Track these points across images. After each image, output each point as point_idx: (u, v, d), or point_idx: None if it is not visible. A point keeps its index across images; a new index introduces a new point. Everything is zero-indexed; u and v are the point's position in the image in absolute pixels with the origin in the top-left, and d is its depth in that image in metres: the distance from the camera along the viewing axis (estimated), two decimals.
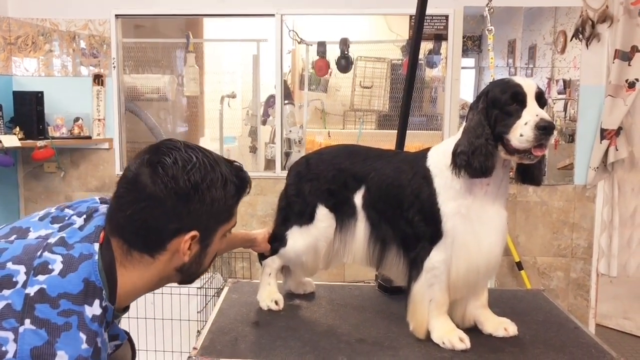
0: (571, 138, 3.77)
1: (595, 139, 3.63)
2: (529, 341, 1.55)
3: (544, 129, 1.30)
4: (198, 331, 2.91)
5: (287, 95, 4.05)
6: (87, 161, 3.94)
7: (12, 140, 3.47)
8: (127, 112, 4.07)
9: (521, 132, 1.33)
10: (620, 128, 3.55)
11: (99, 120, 3.86)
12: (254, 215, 3.88)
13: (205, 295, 3.11)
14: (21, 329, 0.87)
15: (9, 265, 0.95)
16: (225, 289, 1.92)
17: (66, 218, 1.07)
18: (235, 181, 1.13)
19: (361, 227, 1.61)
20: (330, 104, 5.03)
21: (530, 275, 3.75)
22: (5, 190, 3.86)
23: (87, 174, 3.95)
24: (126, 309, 1.18)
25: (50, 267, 0.95)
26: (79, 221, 1.06)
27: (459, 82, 3.63)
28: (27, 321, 0.88)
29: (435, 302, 1.48)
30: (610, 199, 3.67)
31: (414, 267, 1.49)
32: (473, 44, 3.92)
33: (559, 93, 3.74)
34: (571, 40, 3.63)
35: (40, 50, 3.88)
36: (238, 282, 2.00)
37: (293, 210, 1.68)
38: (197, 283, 3.21)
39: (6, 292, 0.92)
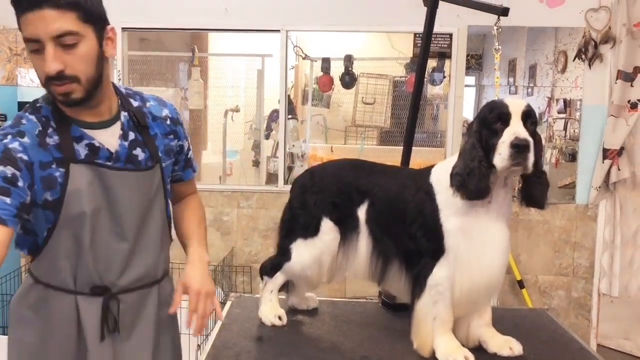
0: (571, 157, 3.78)
1: (597, 159, 3.64)
2: None
3: (517, 147, 1.31)
4: (198, 345, 2.88)
5: (290, 110, 4.07)
6: None
7: None
8: None
9: (500, 151, 1.34)
10: (622, 148, 3.57)
11: None
12: (256, 229, 3.88)
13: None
14: None
15: None
16: (228, 304, 1.91)
17: None
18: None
19: (364, 241, 1.61)
20: (332, 119, 5.06)
21: (531, 293, 3.74)
22: None
23: None
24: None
25: None
26: None
27: (462, 99, 3.65)
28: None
29: (440, 319, 1.47)
30: (612, 218, 3.67)
31: (417, 284, 1.48)
32: (476, 63, 3.95)
33: (559, 112, 3.76)
34: (574, 60, 3.66)
35: None
36: (241, 296, 1.99)
37: (298, 222, 1.67)
38: None
39: None
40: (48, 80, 1.25)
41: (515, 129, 1.33)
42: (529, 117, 1.36)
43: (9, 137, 1.26)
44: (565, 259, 3.77)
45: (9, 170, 1.21)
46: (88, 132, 1.33)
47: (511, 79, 4.03)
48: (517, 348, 1.54)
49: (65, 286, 1.36)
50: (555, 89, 3.77)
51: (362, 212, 1.61)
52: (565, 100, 3.75)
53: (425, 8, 1.93)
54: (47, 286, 1.38)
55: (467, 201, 1.41)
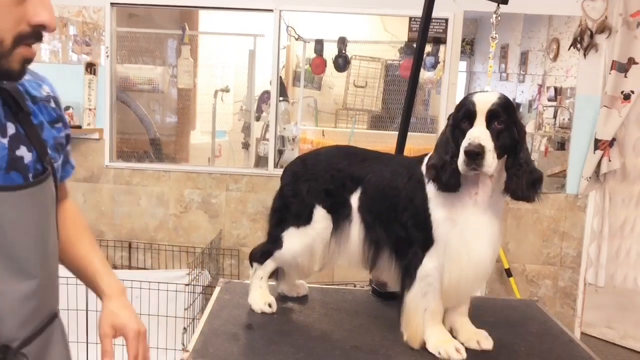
0: (561, 145, 3.78)
1: (589, 149, 3.65)
2: (524, 353, 1.53)
3: (467, 154, 1.29)
4: (184, 328, 2.87)
5: (282, 91, 4.02)
6: (76, 151, 3.87)
7: None
8: (118, 102, 4.01)
9: (460, 154, 1.33)
10: (614, 139, 3.58)
11: (90, 109, 3.80)
12: (245, 212, 3.84)
13: (193, 292, 3.08)
14: None
15: None
16: (217, 289, 1.88)
17: None
18: None
19: (356, 228, 1.59)
20: (323, 101, 5.02)
21: (518, 282, 3.76)
22: None
23: (76, 164, 3.84)
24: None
25: None
26: None
27: (455, 86, 3.62)
28: None
29: (430, 311, 1.46)
30: (601, 209, 3.70)
31: (407, 275, 1.47)
32: (470, 49, 3.91)
33: (550, 100, 3.75)
34: (569, 49, 3.64)
35: None
36: (230, 282, 1.96)
37: (290, 210, 1.65)
38: (184, 279, 3.19)
39: None
40: (20, 40, 0.90)
41: (473, 134, 1.31)
42: (496, 116, 1.33)
43: None
44: (553, 248, 3.79)
45: None
46: None
47: (503, 65, 4.00)
48: (485, 343, 1.52)
49: None
50: (547, 76, 3.75)
51: (354, 199, 1.59)
52: (556, 88, 3.73)
53: None
54: None
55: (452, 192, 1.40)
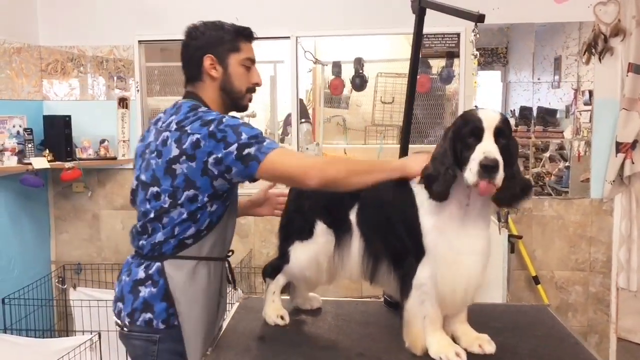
0: None
1: (610, 153, 3.62)
2: (527, 355, 1.57)
3: (484, 168, 1.34)
4: None
5: (304, 113, 4.15)
6: (113, 181, 4.10)
7: (41, 162, 3.64)
8: None
9: (470, 167, 1.37)
10: (635, 141, 3.54)
11: (124, 141, 4.02)
12: (273, 231, 3.95)
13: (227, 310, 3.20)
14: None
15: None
16: (236, 305, 2.00)
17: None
18: (232, 26, 1.78)
19: (356, 242, 1.67)
20: (351, 119, 5.12)
21: (547, 289, 3.73)
22: (37, 209, 4.04)
23: (113, 192, 4.11)
24: None
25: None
26: None
27: (472, 98, 3.66)
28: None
29: (429, 318, 1.52)
30: (628, 212, 3.64)
31: (404, 284, 1.54)
32: (505, 59, 3.88)
33: (585, 104, 3.73)
34: (584, 54, 3.64)
35: (68, 76, 4.07)
36: (249, 298, 2.08)
37: (294, 226, 1.76)
38: None
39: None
40: (249, 91, 1.78)
41: (486, 148, 1.37)
42: (502, 132, 1.39)
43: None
44: (582, 254, 3.76)
45: None
46: None
47: (533, 73, 3.99)
48: (487, 347, 1.56)
49: (219, 255, 1.77)
50: (582, 81, 3.72)
51: (353, 214, 1.68)
52: (590, 92, 3.71)
53: (430, 11, 1.96)
54: (209, 259, 1.71)
55: (443, 202, 1.47)
